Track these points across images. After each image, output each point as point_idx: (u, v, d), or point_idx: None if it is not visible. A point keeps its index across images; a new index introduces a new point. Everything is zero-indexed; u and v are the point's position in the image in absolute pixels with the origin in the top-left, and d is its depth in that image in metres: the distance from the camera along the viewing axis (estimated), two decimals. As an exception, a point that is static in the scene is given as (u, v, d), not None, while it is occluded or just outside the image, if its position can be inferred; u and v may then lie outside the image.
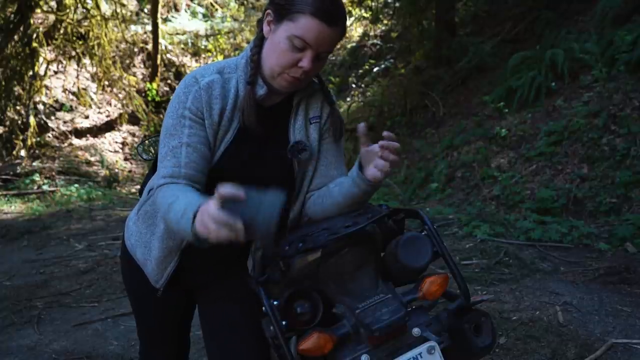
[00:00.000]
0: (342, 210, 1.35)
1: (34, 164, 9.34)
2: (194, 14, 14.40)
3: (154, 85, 12.04)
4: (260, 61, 1.28)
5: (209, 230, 1.00)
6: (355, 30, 11.75)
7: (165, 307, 1.49)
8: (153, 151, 1.83)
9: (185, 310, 1.55)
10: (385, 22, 10.96)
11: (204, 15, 14.49)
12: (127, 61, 12.21)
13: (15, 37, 9.27)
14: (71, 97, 10.99)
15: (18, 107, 9.79)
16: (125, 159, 10.91)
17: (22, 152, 9.41)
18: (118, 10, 10.82)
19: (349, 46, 11.91)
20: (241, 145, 1.29)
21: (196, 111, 1.24)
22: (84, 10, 10.33)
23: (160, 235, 1.35)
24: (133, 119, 11.39)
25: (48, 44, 10.11)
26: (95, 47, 10.30)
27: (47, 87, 10.37)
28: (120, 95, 11.25)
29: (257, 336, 1.37)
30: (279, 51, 1.23)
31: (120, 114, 11.24)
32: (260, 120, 1.27)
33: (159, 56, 12.15)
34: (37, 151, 9.69)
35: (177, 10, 14.26)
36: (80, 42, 10.33)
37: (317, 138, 1.38)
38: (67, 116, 10.74)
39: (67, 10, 10.02)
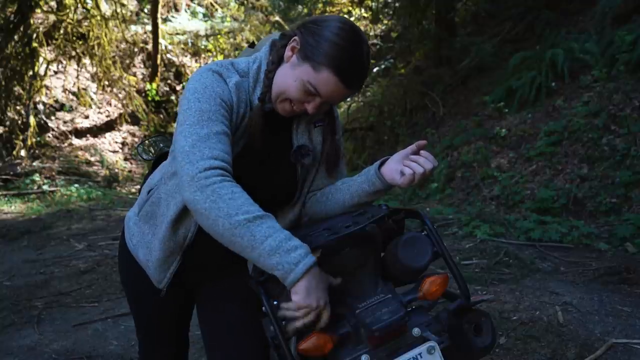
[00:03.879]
0: (346, 209, 1.36)
1: (34, 164, 9.34)
2: (194, 14, 14.40)
3: (154, 85, 12.05)
4: (272, 79, 1.28)
5: (309, 300, 1.07)
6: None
7: (165, 307, 1.49)
8: (153, 151, 1.83)
9: (185, 310, 1.55)
10: (385, 22, 10.97)
11: (204, 15, 14.49)
12: (127, 61, 12.22)
13: (15, 37, 9.27)
14: (71, 97, 10.99)
15: (18, 107, 9.79)
16: (125, 159, 10.92)
17: (22, 152, 9.41)
18: (118, 10, 10.83)
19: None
20: (250, 151, 1.30)
21: (231, 106, 1.23)
22: (84, 10, 10.34)
23: (161, 237, 1.33)
24: (133, 119, 11.39)
25: (48, 44, 10.11)
26: (95, 47, 10.31)
27: (47, 87, 10.37)
28: (120, 95, 11.25)
29: (256, 336, 1.37)
30: (290, 85, 1.23)
31: (120, 114, 11.25)
32: (264, 130, 1.28)
33: (159, 56, 12.16)
34: (37, 151, 9.70)
35: (177, 10, 14.27)
36: (80, 42, 10.34)
37: (320, 141, 1.38)
38: (67, 116, 10.75)
39: (67, 10, 10.02)
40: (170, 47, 12.92)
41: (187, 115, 1.18)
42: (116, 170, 10.28)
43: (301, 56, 1.22)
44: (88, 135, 10.82)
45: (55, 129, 10.40)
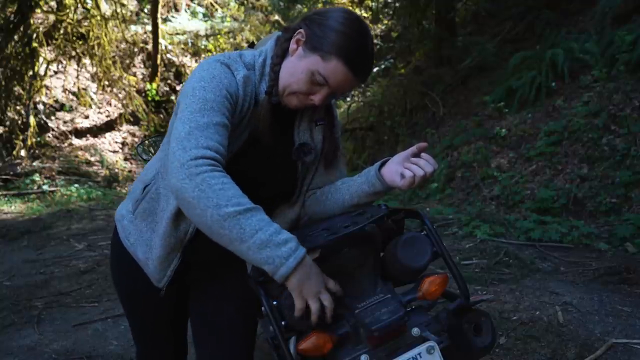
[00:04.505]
0: (345, 209, 1.36)
1: (34, 164, 9.34)
2: (194, 14, 14.40)
3: (154, 85, 12.05)
4: (278, 72, 1.28)
5: (311, 293, 1.07)
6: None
7: (161, 305, 1.46)
8: (153, 151, 1.83)
9: (180, 308, 1.53)
10: (385, 22, 10.97)
11: (204, 15, 14.49)
12: (127, 61, 12.21)
13: (15, 37, 9.27)
14: (71, 97, 10.99)
15: (18, 107, 9.79)
16: (125, 159, 10.92)
17: (22, 152, 9.41)
18: (118, 10, 10.83)
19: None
20: (251, 146, 1.30)
21: (235, 98, 1.21)
22: (84, 10, 10.34)
23: (162, 233, 1.30)
24: (133, 119, 11.39)
25: (48, 44, 10.11)
26: (95, 47, 10.31)
27: (47, 87, 10.37)
28: (120, 95, 11.25)
29: (242, 336, 1.40)
30: (297, 77, 1.23)
31: (120, 114, 11.25)
32: (273, 124, 1.28)
33: (159, 56, 12.16)
34: (37, 151, 9.70)
35: (177, 10, 14.27)
36: (80, 42, 10.34)
37: (321, 140, 1.38)
38: (67, 116, 10.75)
39: (67, 10, 10.02)
40: (170, 47, 12.92)
41: (190, 102, 1.15)
42: (116, 170, 10.28)
43: (308, 47, 1.22)
44: (88, 135, 10.81)
45: (55, 129, 10.40)
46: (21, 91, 9.70)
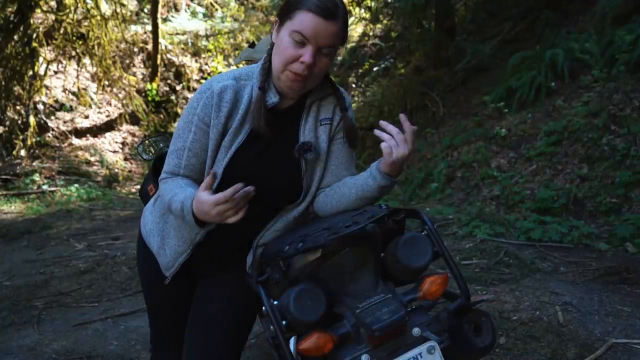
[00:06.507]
0: (351, 205, 1.38)
1: (34, 164, 9.33)
2: (194, 14, 14.39)
3: (154, 85, 12.04)
4: (270, 67, 1.36)
5: (212, 218, 1.18)
6: (355, 30, 11.76)
7: (173, 294, 1.57)
8: (153, 151, 1.86)
9: (189, 301, 1.58)
10: (385, 22, 10.96)
11: (204, 15, 14.48)
12: (127, 61, 12.20)
13: (15, 37, 9.26)
14: (71, 97, 10.98)
15: (18, 107, 9.78)
16: (125, 159, 10.91)
17: (22, 152, 9.40)
18: (118, 10, 10.81)
19: (349, 46, 11.90)
20: (252, 146, 1.36)
21: (203, 117, 1.35)
22: (84, 10, 10.33)
23: (175, 224, 1.44)
24: (133, 119, 11.39)
25: (48, 44, 10.10)
26: (95, 47, 10.29)
27: (47, 87, 10.36)
28: (120, 95, 11.24)
29: (230, 332, 1.45)
30: (282, 48, 1.30)
31: (120, 114, 11.24)
32: (270, 123, 1.34)
33: (159, 56, 12.15)
34: (37, 151, 9.69)
35: (177, 10, 14.26)
36: (80, 42, 10.33)
37: (325, 139, 1.42)
38: (67, 116, 10.74)
39: (67, 10, 10.01)
40: (170, 47, 12.91)
41: (174, 131, 1.43)
42: (116, 170, 10.27)
43: (280, 23, 1.32)
44: (88, 135, 10.80)
45: (55, 129, 10.39)
46: (21, 91, 9.69)
